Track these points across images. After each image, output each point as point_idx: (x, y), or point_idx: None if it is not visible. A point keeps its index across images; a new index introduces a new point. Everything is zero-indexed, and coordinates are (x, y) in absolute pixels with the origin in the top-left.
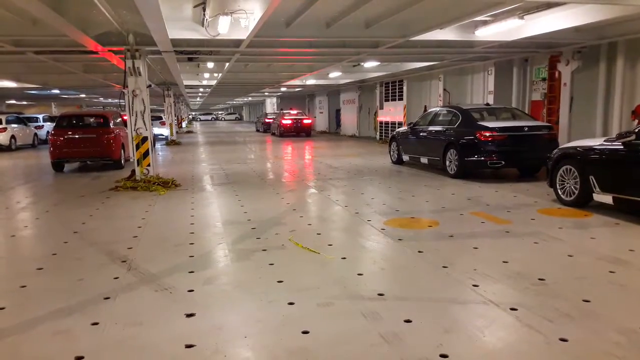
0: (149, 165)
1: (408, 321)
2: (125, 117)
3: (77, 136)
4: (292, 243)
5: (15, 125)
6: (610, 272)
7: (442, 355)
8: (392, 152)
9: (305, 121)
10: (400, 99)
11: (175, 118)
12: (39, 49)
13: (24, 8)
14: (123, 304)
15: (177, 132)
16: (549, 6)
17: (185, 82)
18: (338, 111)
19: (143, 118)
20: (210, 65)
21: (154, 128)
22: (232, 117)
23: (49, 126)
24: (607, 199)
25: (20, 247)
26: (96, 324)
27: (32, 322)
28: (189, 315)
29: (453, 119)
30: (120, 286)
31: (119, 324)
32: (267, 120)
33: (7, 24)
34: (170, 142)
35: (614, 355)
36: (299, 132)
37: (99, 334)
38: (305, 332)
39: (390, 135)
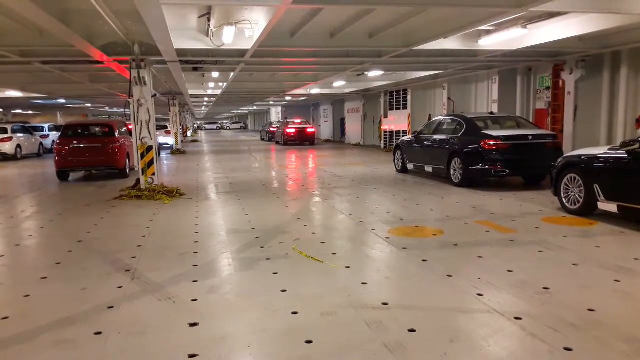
0: (153, 174)
1: (412, 330)
2: (130, 127)
3: (82, 145)
4: (296, 252)
5: (20, 135)
6: (615, 280)
7: None
8: (396, 161)
9: (309, 130)
10: (405, 107)
11: (181, 127)
12: (45, 59)
13: (31, 19)
14: (126, 314)
15: (182, 141)
16: (551, 15)
17: (191, 92)
18: (342, 120)
19: (148, 127)
20: (215, 74)
21: (159, 137)
22: (237, 126)
23: (54, 135)
24: (612, 207)
25: (25, 256)
26: (99, 333)
27: (35, 332)
28: (193, 325)
29: (457, 128)
30: (124, 295)
31: (122, 333)
32: (271, 129)
33: (14, 35)
34: (175, 151)
35: None
36: (302, 140)
37: (102, 344)
38: (308, 342)
39: (394, 144)
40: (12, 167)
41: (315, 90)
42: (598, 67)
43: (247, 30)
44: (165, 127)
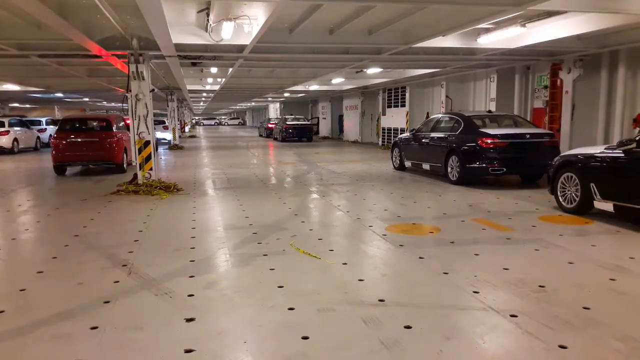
0: (151, 169)
1: (408, 327)
2: (128, 121)
3: (79, 140)
4: (293, 248)
5: (18, 129)
6: (611, 279)
7: None
8: (394, 158)
9: (307, 126)
10: (403, 105)
11: (178, 122)
12: (43, 52)
13: (29, 12)
14: (123, 308)
15: (179, 137)
16: (550, 14)
17: (189, 87)
18: (341, 117)
19: (146, 122)
20: (213, 70)
21: (156, 132)
22: (235, 122)
23: (51, 129)
24: (608, 206)
25: (21, 250)
26: (95, 328)
27: (31, 326)
28: (189, 320)
29: (455, 126)
30: (121, 290)
31: (118, 328)
32: (270, 126)
33: (12, 28)
34: (172, 147)
35: None
36: (300, 137)
37: (99, 338)
38: (305, 338)
39: (392, 142)
40: (9, 160)
41: (314, 87)
42: (596, 67)
43: (246, 26)
44: (163, 122)
